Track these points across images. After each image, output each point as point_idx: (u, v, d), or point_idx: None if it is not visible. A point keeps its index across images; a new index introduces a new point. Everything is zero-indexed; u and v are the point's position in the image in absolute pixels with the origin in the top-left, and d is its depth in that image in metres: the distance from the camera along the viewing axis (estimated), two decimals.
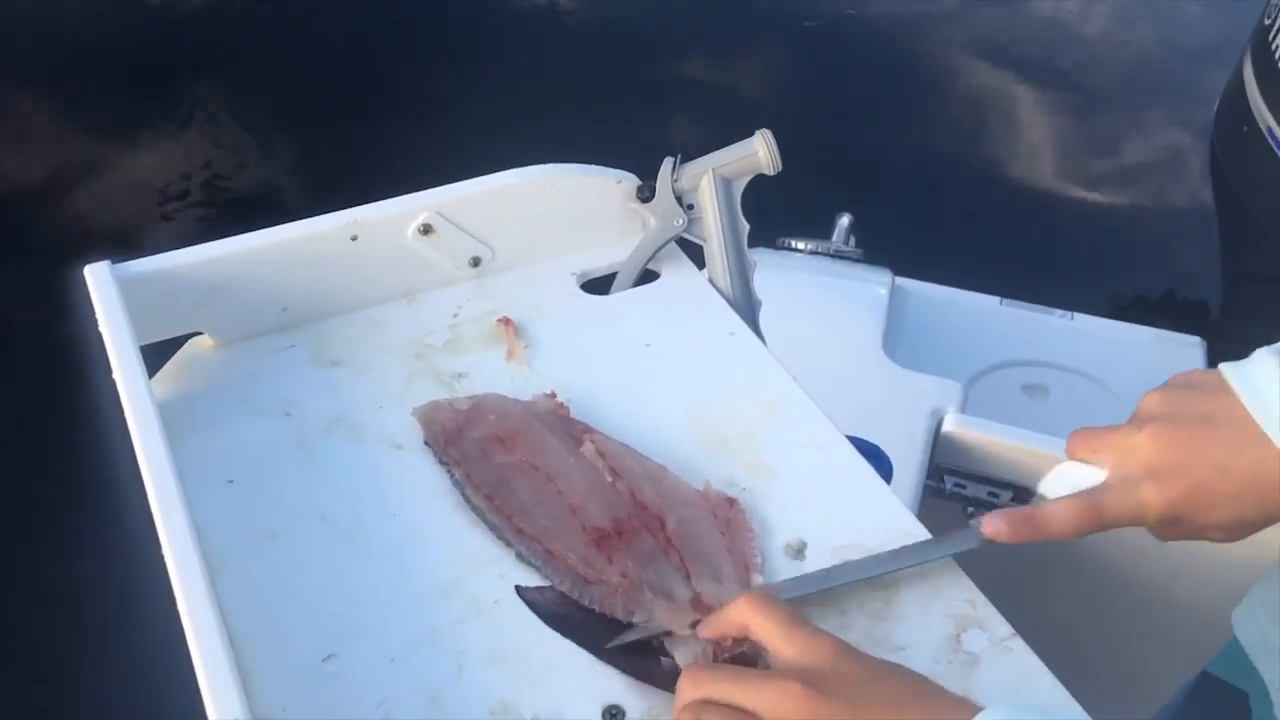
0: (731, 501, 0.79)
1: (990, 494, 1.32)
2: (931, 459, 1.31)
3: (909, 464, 1.26)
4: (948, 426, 1.29)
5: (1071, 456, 0.76)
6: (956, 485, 1.33)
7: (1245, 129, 2.09)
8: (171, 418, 0.80)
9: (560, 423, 0.85)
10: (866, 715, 0.59)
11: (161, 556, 0.66)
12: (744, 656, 0.67)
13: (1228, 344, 1.84)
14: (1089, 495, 0.72)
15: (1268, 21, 2.19)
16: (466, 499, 0.79)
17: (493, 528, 0.77)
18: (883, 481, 0.84)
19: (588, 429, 0.84)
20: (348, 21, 3.72)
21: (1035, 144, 3.59)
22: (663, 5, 4.06)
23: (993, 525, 0.74)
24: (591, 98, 3.45)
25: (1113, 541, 1.27)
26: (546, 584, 0.74)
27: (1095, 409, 1.67)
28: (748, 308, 0.98)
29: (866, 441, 0.93)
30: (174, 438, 0.74)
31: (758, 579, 0.74)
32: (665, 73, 3.69)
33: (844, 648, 0.63)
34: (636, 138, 3.04)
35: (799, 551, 0.77)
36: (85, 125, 3.27)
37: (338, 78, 3.51)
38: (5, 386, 2.43)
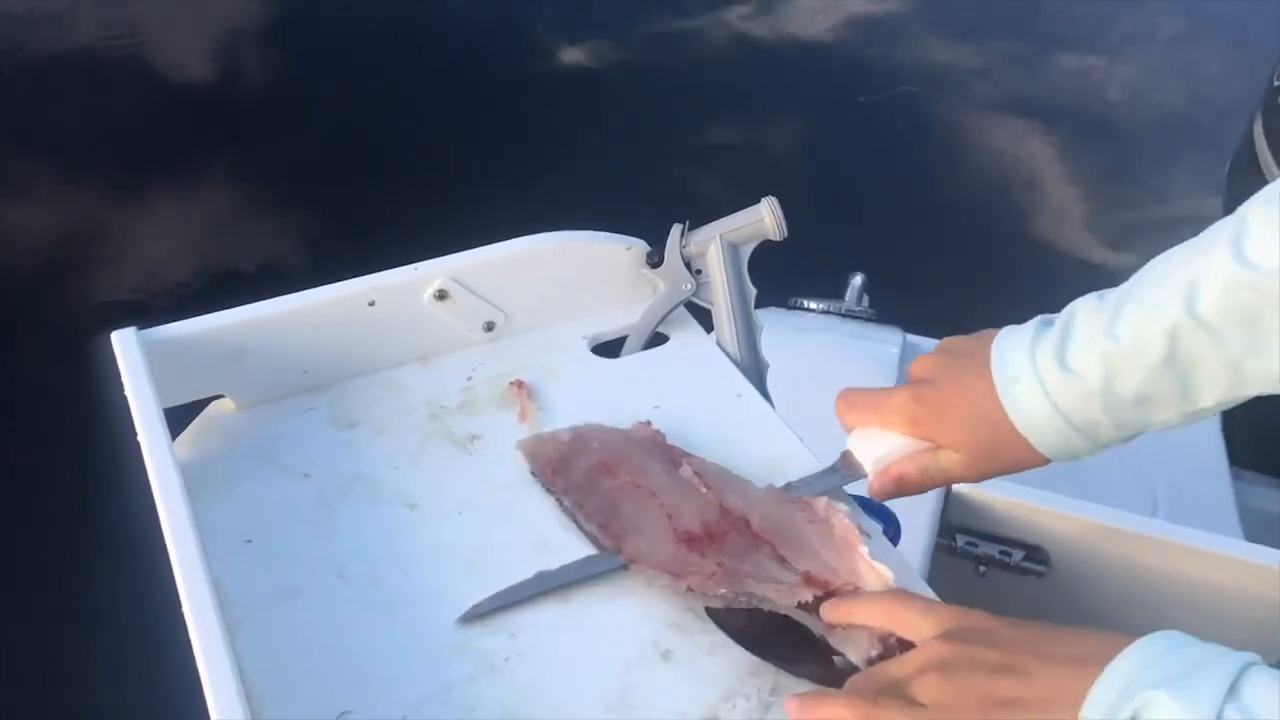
0: (808, 501, 0.82)
1: (1002, 552, 1.33)
2: (942, 518, 1.32)
3: (919, 522, 1.27)
4: (957, 486, 1.31)
5: (849, 425, 0.83)
6: (968, 544, 1.34)
7: (1256, 188, 2.10)
8: (193, 478, 0.82)
9: (658, 449, 0.89)
10: (1009, 651, 0.62)
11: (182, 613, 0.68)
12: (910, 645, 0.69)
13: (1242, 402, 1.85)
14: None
15: (1278, 83, 2.20)
16: (578, 525, 0.83)
17: (604, 549, 0.81)
18: (888, 541, 0.86)
19: (685, 453, 0.88)
20: (363, 87, 3.79)
21: (1048, 203, 3.62)
22: (681, 75, 4.12)
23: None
24: (607, 163, 3.50)
25: (1117, 596, 1.28)
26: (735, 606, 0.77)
27: (1110, 466, 1.67)
28: (755, 370, 1.00)
29: (874, 501, 0.95)
30: (195, 498, 0.77)
31: (862, 548, 0.76)
32: (681, 139, 3.74)
33: (985, 614, 0.66)
34: (650, 202, 3.08)
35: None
36: (103, 195, 3.33)
37: (354, 145, 3.57)
38: (33, 449, 2.46)
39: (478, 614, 0.76)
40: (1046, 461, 0.76)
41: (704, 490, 0.84)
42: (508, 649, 0.75)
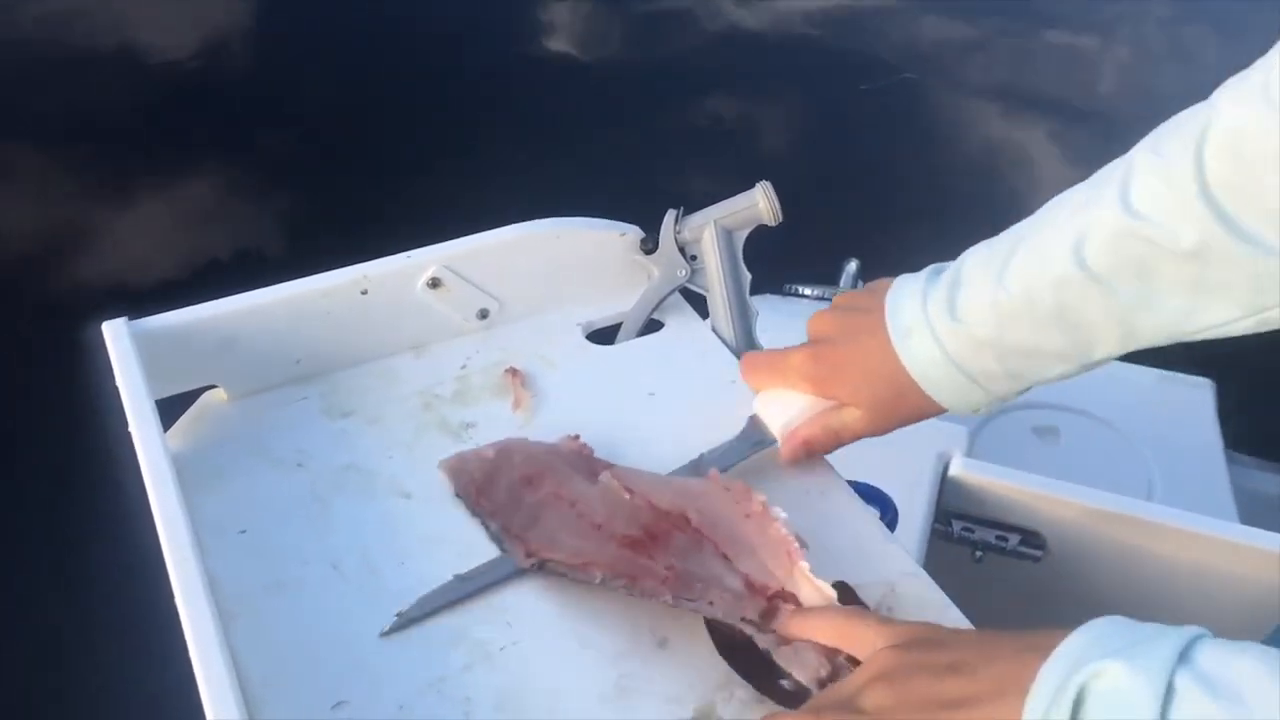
0: (747, 490, 0.79)
1: (998, 537, 1.33)
2: (938, 503, 1.32)
3: (915, 508, 1.27)
4: (954, 470, 1.31)
5: (754, 387, 0.86)
6: (964, 529, 1.34)
7: None
8: (186, 469, 0.82)
9: (583, 461, 0.86)
10: (956, 653, 0.61)
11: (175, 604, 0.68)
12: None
13: (1237, 385, 1.85)
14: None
15: None
16: (504, 550, 0.79)
17: (537, 568, 0.78)
18: (884, 527, 0.85)
19: (609, 465, 0.85)
20: (354, 75, 3.77)
21: (1043, 189, 3.61)
22: (675, 60, 4.11)
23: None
24: (600, 148, 3.49)
25: (1113, 580, 1.28)
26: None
27: (1105, 451, 1.67)
28: None
29: (870, 486, 0.94)
30: (188, 489, 0.76)
31: (802, 563, 0.73)
32: (674, 125, 3.73)
33: (937, 625, 0.65)
34: (644, 188, 3.07)
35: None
36: (93, 185, 3.32)
37: (345, 133, 3.55)
38: (22, 442, 2.46)
39: (403, 624, 0.75)
40: (945, 411, 0.77)
41: (627, 495, 0.80)
42: (503, 638, 0.75)
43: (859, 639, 0.66)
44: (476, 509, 0.83)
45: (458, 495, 0.84)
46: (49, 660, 2.05)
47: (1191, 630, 0.54)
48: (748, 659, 0.73)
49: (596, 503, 0.81)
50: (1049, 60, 4.28)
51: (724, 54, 4.15)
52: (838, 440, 0.81)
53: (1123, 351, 0.72)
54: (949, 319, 0.73)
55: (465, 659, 0.73)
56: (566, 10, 4.27)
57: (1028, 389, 0.75)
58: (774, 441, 0.84)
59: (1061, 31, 4.41)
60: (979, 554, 1.32)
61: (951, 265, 0.76)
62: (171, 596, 0.68)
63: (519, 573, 0.78)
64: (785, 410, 0.83)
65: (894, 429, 0.80)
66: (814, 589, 0.73)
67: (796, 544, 0.75)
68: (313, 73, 3.82)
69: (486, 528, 0.81)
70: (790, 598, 0.74)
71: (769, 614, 0.73)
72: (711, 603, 0.73)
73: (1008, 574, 1.31)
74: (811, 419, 0.81)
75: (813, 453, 0.83)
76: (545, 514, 0.81)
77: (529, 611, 0.77)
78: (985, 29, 4.41)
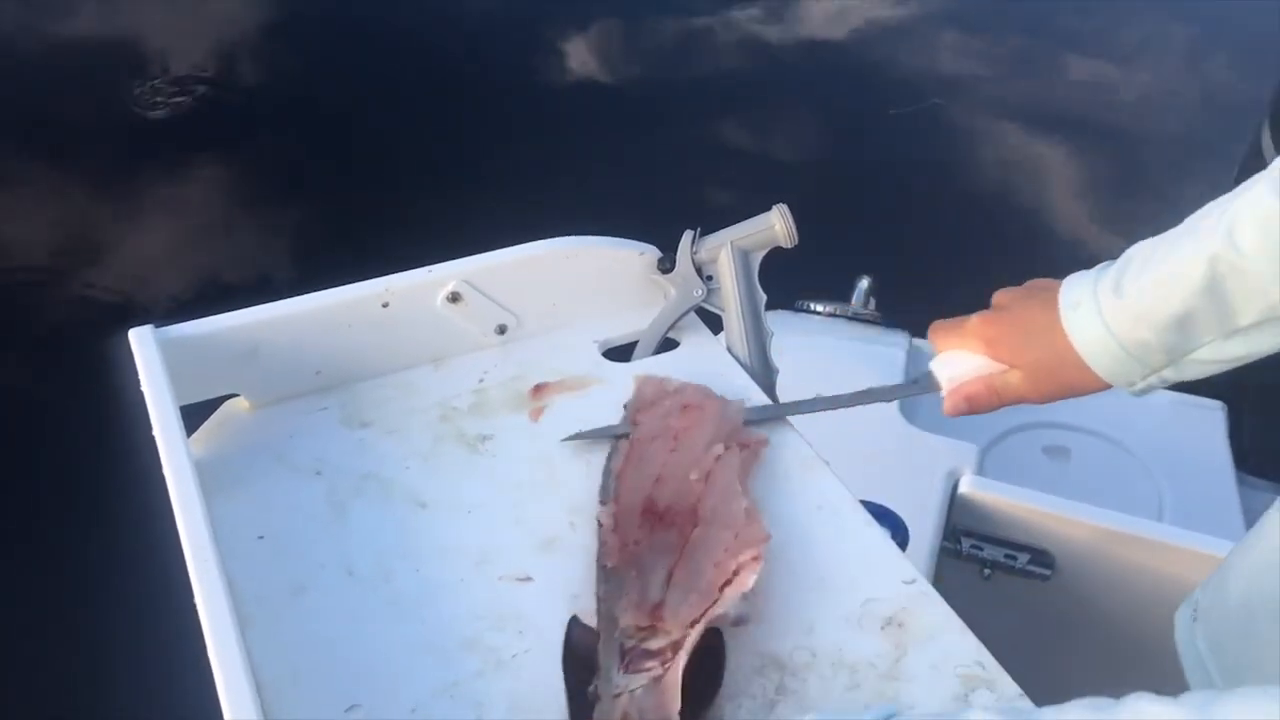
0: (759, 543, 0.80)
1: (1008, 555, 1.33)
2: (948, 521, 1.32)
3: (925, 525, 1.28)
4: (964, 488, 1.31)
5: (937, 348, 0.91)
6: (974, 547, 1.34)
7: None
8: (207, 475, 0.84)
9: (732, 429, 0.91)
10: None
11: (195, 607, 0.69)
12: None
13: (1248, 408, 1.85)
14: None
15: None
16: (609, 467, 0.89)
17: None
18: (895, 545, 0.86)
19: (761, 441, 0.91)
20: (377, 90, 3.80)
21: (1055, 208, 3.61)
22: (693, 81, 4.12)
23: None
24: (620, 168, 3.50)
25: (1122, 600, 1.29)
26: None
27: (1116, 471, 1.67)
28: (765, 375, 1.01)
29: (882, 507, 0.95)
30: (209, 494, 0.78)
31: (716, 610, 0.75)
32: (692, 145, 3.74)
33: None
34: (662, 208, 3.08)
35: (810, 628, 0.79)
36: (120, 196, 3.34)
37: (369, 148, 3.57)
38: (47, 447, 2.48)
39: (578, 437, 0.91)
40: (1104, 386, 0.81)
41: (695, 479, 0.85)
42: (515, 646, 0.76)
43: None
44: (633, 419, 0.93)
45: (625, 405, 0.94)
46: (68, 662, 2.06)
47: (888, 708, 0.61)
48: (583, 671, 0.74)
49: (679, 462, 0.87)
50: (1065, 82, 4.27)
51: (743, 75, 4.16)
52: (999, 399, 0.86)
53: (1265, 319, 0.75)
54: (1113, 295, 0.78)
55: (478, 665, 0.75)
56: (588, 28, 4.29)
57: (1182, 365, 0.79)
58: (939, 390, 0.89)
59: (1079, 54, 4.41)
60: (988, 571, 1.33)
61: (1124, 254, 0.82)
62: (192, 598, 0.69)
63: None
64: (955, 367, 0.87)
65: (1055, 398, 0.84)
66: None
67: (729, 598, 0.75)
68: (332, 86, 3.84)
69: (614, 441, 0.91)
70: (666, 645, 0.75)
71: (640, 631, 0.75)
72: (623, 597, 0.77)
73: (1016, 592, 1.31)
74: (979, 377, 0.86)
75: (974, 408, 0.87)
76: (653, 445, 0.89)
77: (541, 620, 0.78)
78: (1004, 51, 4.41)
